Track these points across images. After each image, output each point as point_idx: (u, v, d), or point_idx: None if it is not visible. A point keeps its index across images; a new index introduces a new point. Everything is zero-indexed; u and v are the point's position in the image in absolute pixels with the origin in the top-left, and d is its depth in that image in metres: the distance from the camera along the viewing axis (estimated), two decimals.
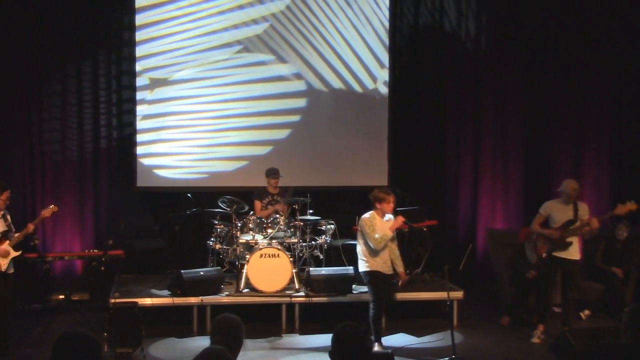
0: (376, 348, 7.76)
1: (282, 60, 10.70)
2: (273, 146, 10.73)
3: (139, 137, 10.43)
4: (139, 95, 10.40)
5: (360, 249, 7.96)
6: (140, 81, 10.40)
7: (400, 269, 8.05)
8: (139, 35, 10.38)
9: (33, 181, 10.10)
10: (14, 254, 7.81)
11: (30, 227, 7.89)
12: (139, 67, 10.38)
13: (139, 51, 10.38)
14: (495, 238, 10.15)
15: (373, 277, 7.88)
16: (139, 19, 10.37)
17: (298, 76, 10.74)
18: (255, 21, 10.63)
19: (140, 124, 10.43)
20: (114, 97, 10.42)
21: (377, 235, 7.75)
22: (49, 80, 10.13)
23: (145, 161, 10.47)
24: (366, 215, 7.93)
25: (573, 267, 8.34)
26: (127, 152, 10.47)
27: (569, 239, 8.25)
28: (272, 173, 9.74)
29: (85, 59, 10.22)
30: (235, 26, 10.58)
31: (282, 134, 10.78)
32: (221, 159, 10.67)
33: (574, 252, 8.31)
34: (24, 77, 10.05)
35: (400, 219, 7.90)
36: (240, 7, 10.59)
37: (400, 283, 8.18)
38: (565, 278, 8.34)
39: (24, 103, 10.04)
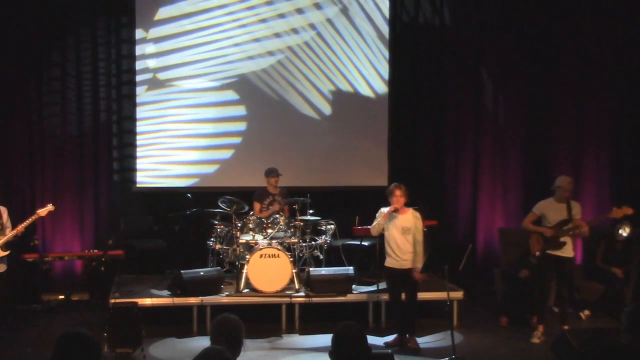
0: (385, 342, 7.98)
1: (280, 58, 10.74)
2: (274, 146, 10.73)
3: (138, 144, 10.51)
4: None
5: None
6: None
7: (417, 264, 8.03)
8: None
9: (32, 182, 10.10)
10: (2, 253, 7.74)
11: (20, 228, 7.82)
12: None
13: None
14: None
15: (387, 273, 8.23)
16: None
17: (296, 75, 10.75)
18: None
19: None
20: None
21: (374, 222, 8.08)
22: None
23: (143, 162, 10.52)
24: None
25: (567, 265, 8.41)
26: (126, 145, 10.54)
27: (562, 239, 8.31)
28: (271, 172, 9.72)
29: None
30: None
31: (281, 134, 10.79)
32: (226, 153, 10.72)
33: (568, 250, 8.37)
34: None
35: (392, 207, 8.02)
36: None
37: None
38: (560, 276, 8.39)
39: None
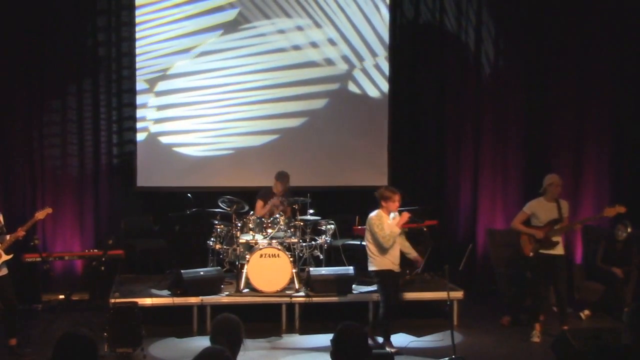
0: (387, 348, 7.76)
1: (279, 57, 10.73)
2: (274, 146, 10.73)
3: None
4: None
5: (370, 248, 8.00)
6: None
7: (414, 253, 8.18)
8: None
9: (33, 182, 10.09)
10: (5, 257, 7.72)
11: (21, 232, 7.75)
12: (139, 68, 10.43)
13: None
14: (495, 238, 10.15)
15: (383, 277, 7.98)
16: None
17: (296, 74, 10.75)
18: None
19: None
20: (114, 101, 10.45)
21: (386, 233, 7.81)
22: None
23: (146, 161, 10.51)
24: (373, 213, 7.99)
25: (559, 263, 8.46)
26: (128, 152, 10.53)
27: (554, 238, 8.36)
28: (281, 177, 9.69)
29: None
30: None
31: (280, 134, 10.79)
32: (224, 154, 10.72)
33: (559, 248, 8.44)
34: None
35: (406, 215, 7.94)
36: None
37: (418, 264, 8.48)
38: (555, 274, 8.41)
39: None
